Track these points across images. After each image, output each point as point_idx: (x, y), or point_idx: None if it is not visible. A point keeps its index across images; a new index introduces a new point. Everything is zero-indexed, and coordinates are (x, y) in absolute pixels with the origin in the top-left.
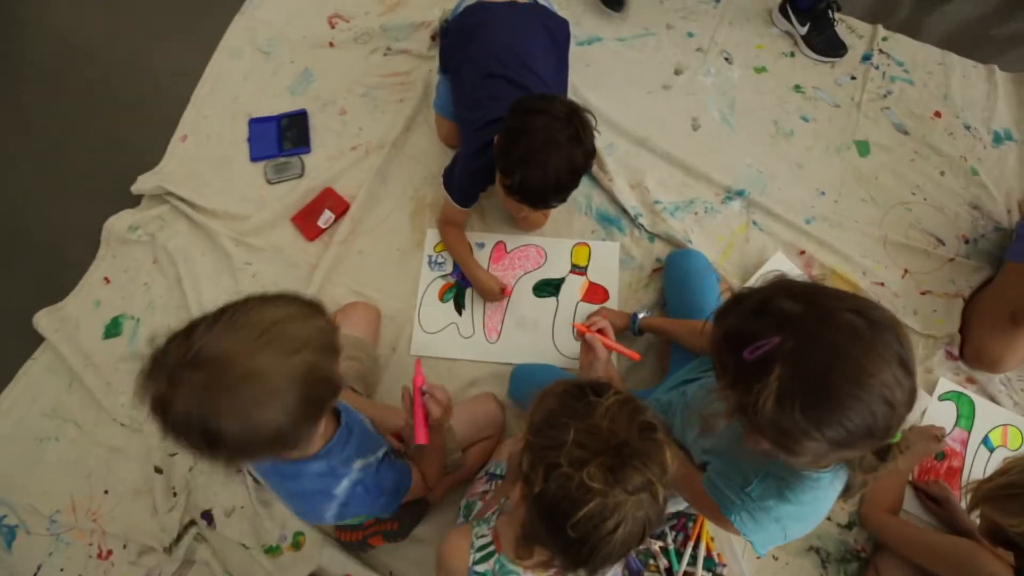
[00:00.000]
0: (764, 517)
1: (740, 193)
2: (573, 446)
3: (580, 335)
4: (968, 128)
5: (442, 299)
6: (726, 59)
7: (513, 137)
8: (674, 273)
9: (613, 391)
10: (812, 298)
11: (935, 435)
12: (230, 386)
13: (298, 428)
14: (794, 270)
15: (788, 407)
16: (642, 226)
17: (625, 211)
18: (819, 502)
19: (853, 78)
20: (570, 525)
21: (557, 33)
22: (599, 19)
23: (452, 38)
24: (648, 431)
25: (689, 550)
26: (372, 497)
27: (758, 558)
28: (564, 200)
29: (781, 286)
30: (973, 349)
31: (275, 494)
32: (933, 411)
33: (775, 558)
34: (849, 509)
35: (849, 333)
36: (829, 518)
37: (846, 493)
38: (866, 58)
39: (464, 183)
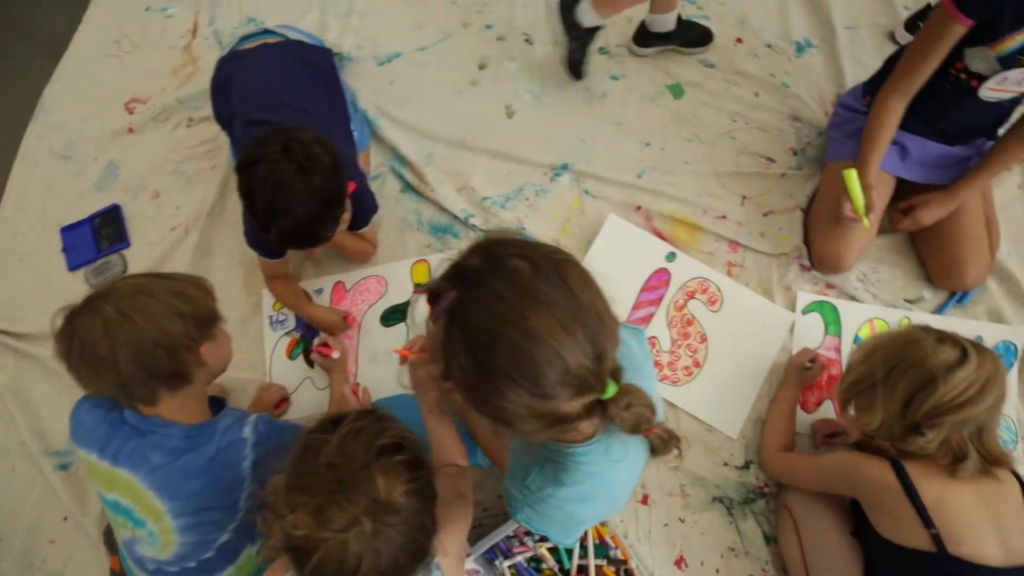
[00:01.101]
0: (546, 507)
1: (565, 167)
2: (292, 492)
3: (402, 359)
4: (770, 46)
5: (291, 356)
6: (527, 41)
7: (246, 198)
8: None
9: (350, 419)
10: (490, 250)
11: (806, 363)
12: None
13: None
14: (631, 229)
15: (468, 364)
16: (475, 226)
17: (456, 216)
18: (598, 477)
19: None
20: (308, 574)
21: (318, 63)
22: (395, 34)
23: (215, 95)
24: (388, 453)
25: (577, 542)
26: (278, 432)
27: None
28: (335, 224)
29: (475, 244)
30: (816, 254)
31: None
32: (800, 326)
33: (681, 520)
34: (742, 452)
35: (509, 279)
36: (726, 463)
37: (655, 453)
38: None
39: (259, 236)
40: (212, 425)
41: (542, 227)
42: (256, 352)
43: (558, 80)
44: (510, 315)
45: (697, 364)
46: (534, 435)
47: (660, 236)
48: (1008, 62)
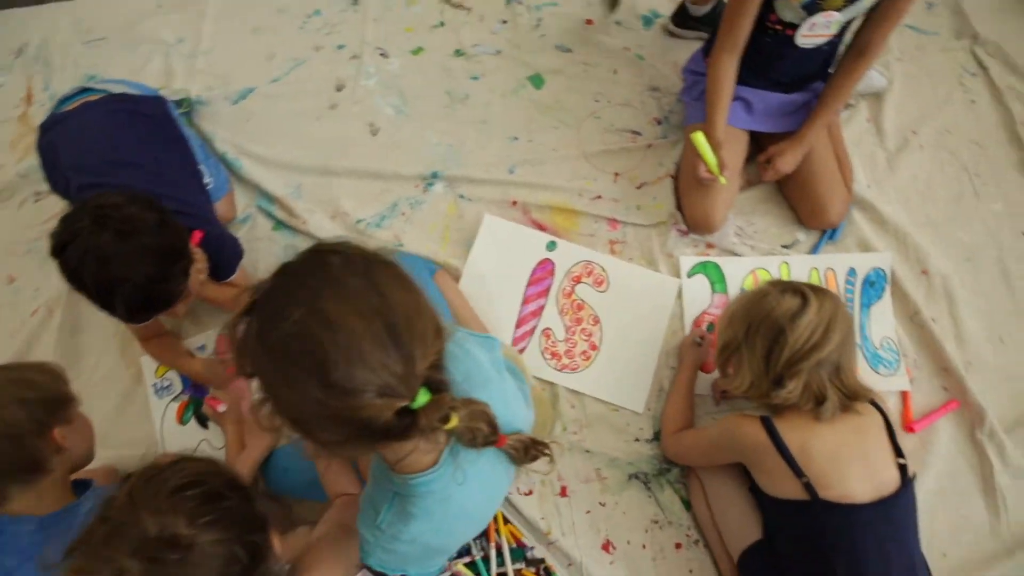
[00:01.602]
0: (399, 544)
1: (436, 175)
2: (66, 560)
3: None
4: (619, 23)
5: (182, 421)
6: (382, 55)
7: (74, 283)
8: None
9: (138, 472)
10: (312, 249)
11: (696, 340)
12: None
13: None
14: (508, 226)
15: (257, 348)
16: None
17: None
18: (450, 503)
19: (505, 22)
20: None
21: (149, 113)
22: (245, 69)
23: (44, 166)
24: (178, 492)
25: (493, 550)
26: None
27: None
28: (184, 277)
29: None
30: (688, 218)
31: None
32: (688, 291)
33: (602, 504)
34: (651, 425)
35: (315, 269)
36: (637, 439)
37: (517, 463)
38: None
39: None
40: (71, 511)
41: (421, 240)
42: (144, 424)
43: (418, 90)
44: (305, 298)
45: (594, 347)
46: (347, 448)
47: (540, 227)
48: (811, 8)
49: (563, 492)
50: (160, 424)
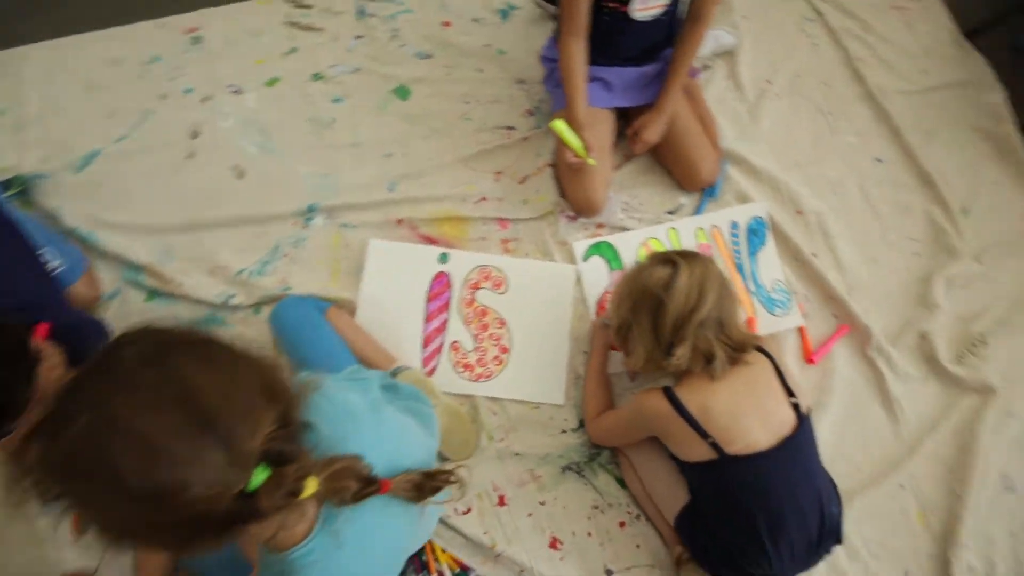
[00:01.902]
0: None
1: (313, 208)
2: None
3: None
4: (476, 20)
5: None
6: (235, 92)
7: None
8: (282, 335)
9: None
10: (111, 343)
11: (604, 322)
12: None
13: None
14: (395, 247)
15: (42, 467)
16: (240, 304)
17: (216, 303)
18: (339, 568)
19: (359, 37)
20: None
21: None
22: (86, 131)
23: None
24: None
25: None
26: None
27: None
28: (27, 379)
29: None
30: (572, 203)
31: None
32: (587, 275)
33: (542, 503)
34: (574, 414)
35: (105, 366)
36: (563, 431)
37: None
38: (361, 13)
39: None
40: None
41: (310, 279)
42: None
43: (280, 122)
44: (91, 401)
45: (505, 350)
46: (198, 547)
47: (430, 241)
48: None
49: (501, 501)
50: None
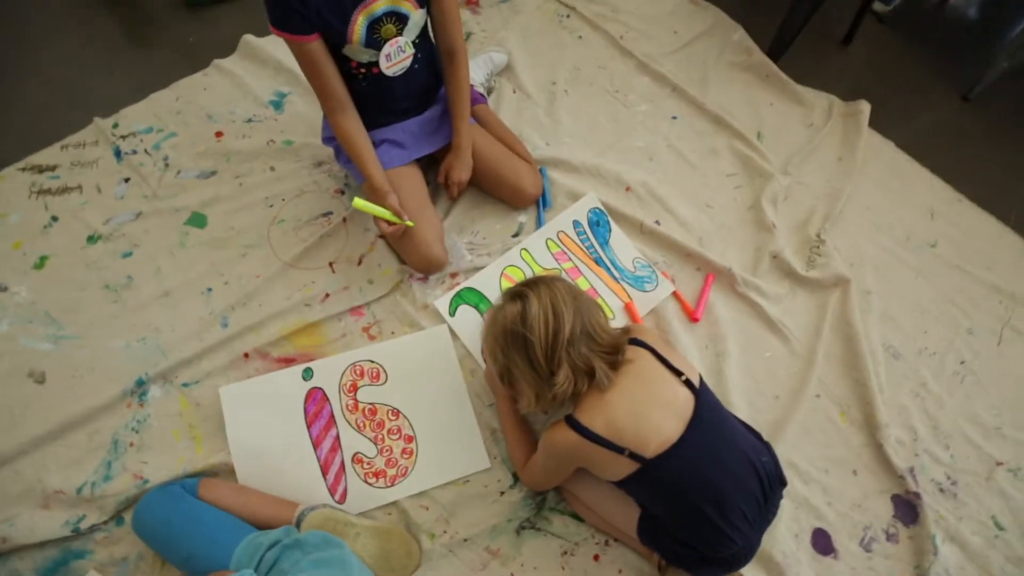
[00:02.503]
0: None
1: (143, 381)
2: None
3: None
4: (251, 120)
5: None
6: (3, 290)
7: None
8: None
9: None
10: None
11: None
12: None
13: None
14: (249, 385)
15: None
16: (94, 527)
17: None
18: None
19: (127, 180)
20: None
21: None
22: None
23: None
24: None
25: None
26: None
27: None
28: None
29: None
30: (414, 266)
31: None
32: (460, 327)
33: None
34: (506, 470)
35: None
36: (502, 492)
37: None
38: (119, 155)
39: None
40: None
41: (169, 460)
42: None
43: (70, 303)
44: None
45: (410, 439)
46: None
47: (290, 362)
48: (375, 44)
49: None
50: None
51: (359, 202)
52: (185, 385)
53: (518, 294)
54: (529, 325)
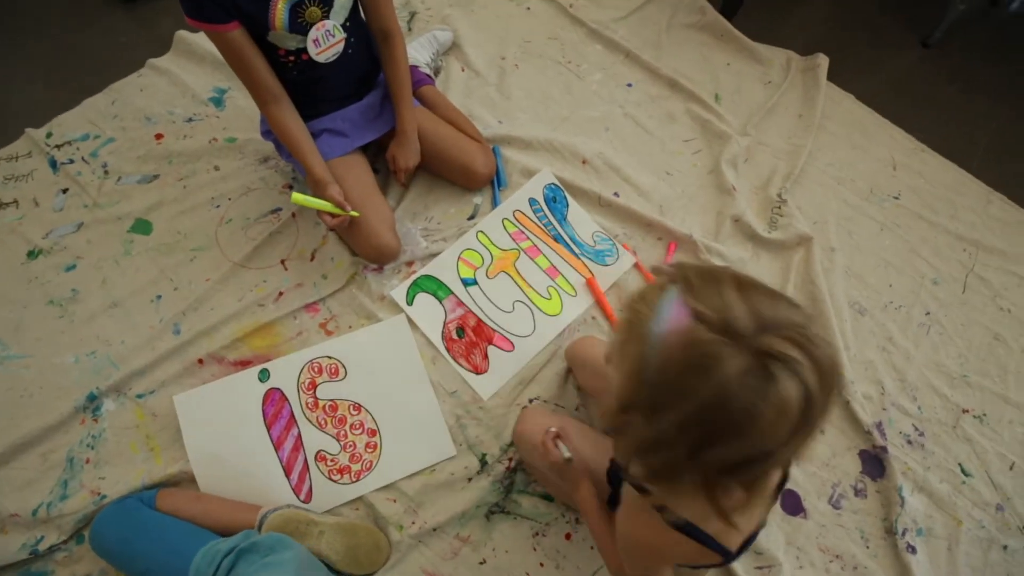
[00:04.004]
0: None
1: (95, 396)
2: None
3: None
4: (191, 120)
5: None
6: None
7: None
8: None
9: None
10: None
11: (564, 457)
12: None
13: None
14: (204, 390)
15: None
16: (53, 547)
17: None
18: None
19: (65, 190)
20: None
21: None
22: None
23: None
24: None
25: None
26: None
27: None
28: None
29: None
30: (365, 257)
31: None
32: (419, 316)
33: (482, 562)
34: (473, 457)
35: None
36: (469, 479)
37: None
38: (55, 165)
39: None
40: None
41: (127, 473)
42: None
43: (14, 323)
44: None
45: (373, 433)
46: None
47: (246, 365)
48: (300, 29)
49: None
50: None
51: (297, 197)
52: (139, 396)
53: (768, 354)
54: (758, 418)
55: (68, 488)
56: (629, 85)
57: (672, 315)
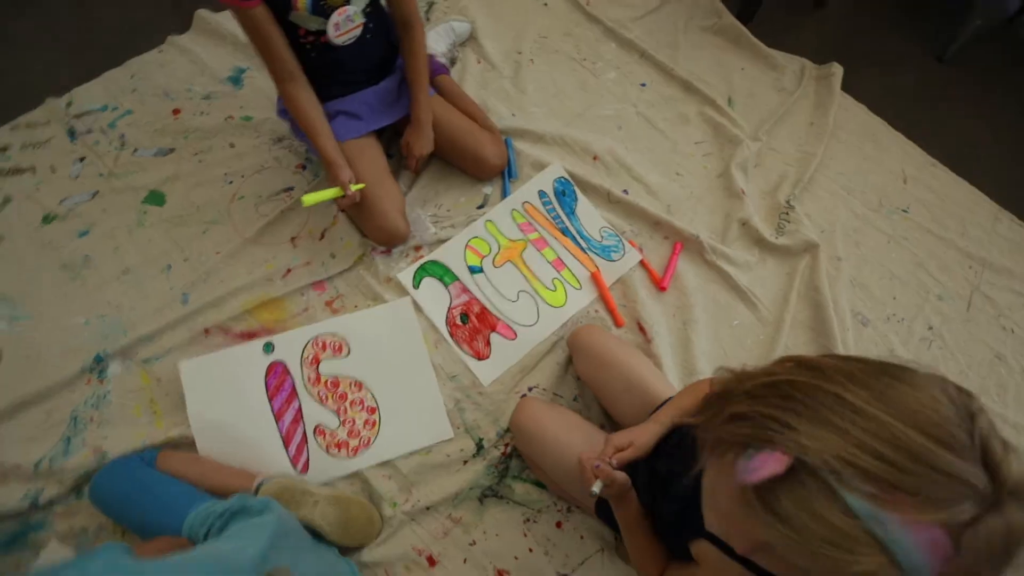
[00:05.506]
0: None
1: (102, 358)
2: None
3: None
4: (208, 97)
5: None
6: None
7: None
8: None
9: None
10: None
11: (605, 484)
12: None
13: None
14: (211, 358)
15: None
16: (53, 500)
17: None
18: None
19: (83, 159)
20: None
21: None
22: None
23: None
24: None
25: None
26: None
27: None
28: None
29: None
30: (374, 239)
31: None
32: (425, 300)
33: (472, 543)
34: (469, 440)
35: None
36: (464, 461)
37: None
38: (73, 134)
39: None
40: None
41: (129, 434)
42: None
43: (25, 284)
44: None
45: (373, 410)
46: None
47: (251, 336)
48: (322, 11)
49: (431, 561)
50: None
51: (308, 198)
52: (145, 361)
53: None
54: None
55: (71, 445)
56: (643, 85)
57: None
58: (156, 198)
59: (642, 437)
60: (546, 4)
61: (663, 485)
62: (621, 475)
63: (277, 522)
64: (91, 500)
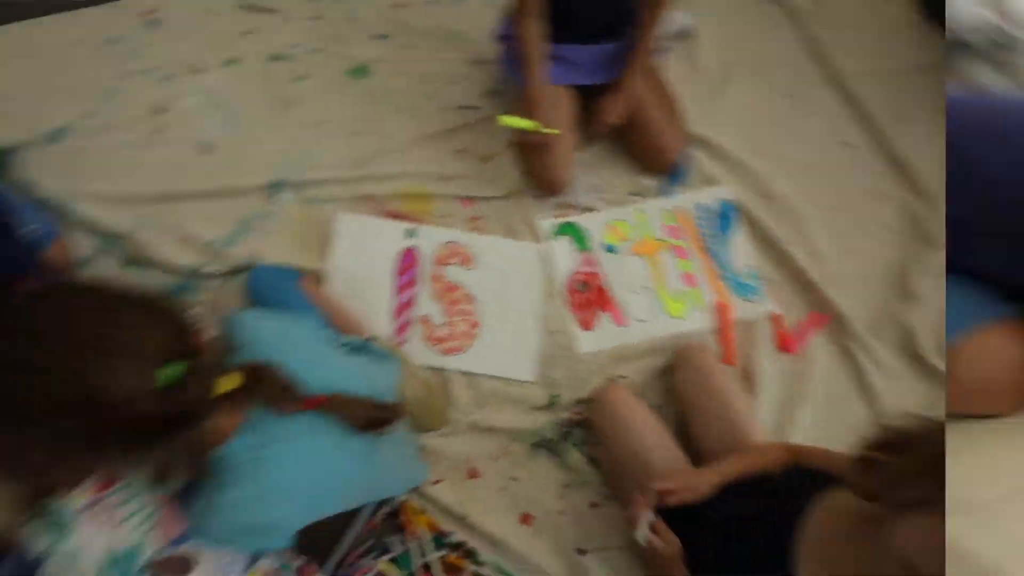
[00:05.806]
0: (218, 516)
1: (280, 185)
2: None
3: None
4: (432, 3)
5: None
6: (195, 72)
7: None
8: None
9: None
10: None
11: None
12: None
13: None
14: (364, 221)
15: None
16: (214, 272)
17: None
18: (260, 471)
19: (315, 18)
20: None
21: None
22: (54, 110)
23: None
24: None
25: (412, 542)
26: None
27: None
28: None
29: None
30: (537, 182)
31: None
32: (554, 254)
33: (514, 479)
34: (544, 391)
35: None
36: (534, 407)
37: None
38: None
39: None
40: None
41: (280, 251)
42: None
43: (244, 102)
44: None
45: (475, 325)
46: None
47: (398, 217)
48: None
49: (472, 474)
50: None
51: (505, 120)
52: (309, 201)
53: None
54: None
55: (236, 239)
56: (847, 144)
57: None
58: (361, 71)
59: (703, 487)
60: (777, 27)
61: (741, 525)
62: (674, 540)
63: (390, 376)
64: (248, 283)
